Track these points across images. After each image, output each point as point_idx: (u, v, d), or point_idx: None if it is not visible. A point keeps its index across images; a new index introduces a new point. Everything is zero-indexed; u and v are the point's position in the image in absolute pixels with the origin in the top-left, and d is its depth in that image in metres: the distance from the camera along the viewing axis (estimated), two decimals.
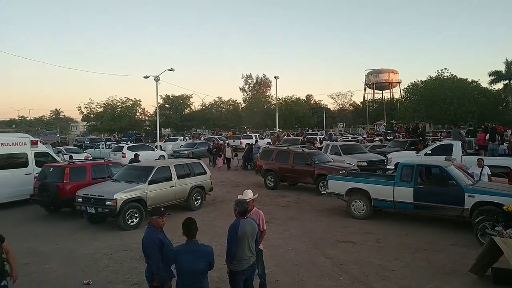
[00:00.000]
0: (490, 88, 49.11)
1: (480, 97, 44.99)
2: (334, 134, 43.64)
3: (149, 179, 10.91)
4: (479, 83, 47.61)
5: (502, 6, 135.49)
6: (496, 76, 50.02)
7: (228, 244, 4.92)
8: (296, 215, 11.66)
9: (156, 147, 29.99)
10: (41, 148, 14.87)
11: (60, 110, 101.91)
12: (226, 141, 35.00)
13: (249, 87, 75.03)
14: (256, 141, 31.87)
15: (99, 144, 32.87)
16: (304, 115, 60.45)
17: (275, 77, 48.57)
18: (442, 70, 47.02)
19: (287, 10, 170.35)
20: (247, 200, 5.52)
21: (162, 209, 4.96)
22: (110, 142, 35.07)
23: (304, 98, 78.50)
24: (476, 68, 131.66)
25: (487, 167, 11.72)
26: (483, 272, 6.71)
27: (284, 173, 16.17)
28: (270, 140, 36.07)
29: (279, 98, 55.95)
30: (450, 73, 46.77)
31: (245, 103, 71.31)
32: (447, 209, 9.69)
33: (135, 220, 10.30)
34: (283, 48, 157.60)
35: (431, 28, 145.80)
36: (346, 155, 18.20)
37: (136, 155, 17.77)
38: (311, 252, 8.26)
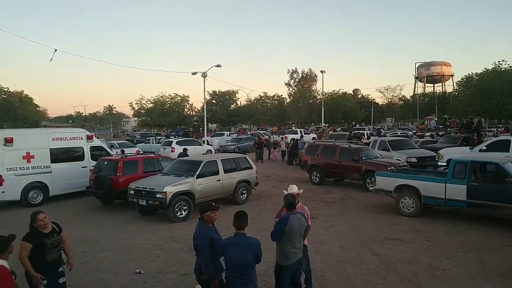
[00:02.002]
0: None
1: None
2: (383, 129, 42.34)
3: (197, 173, 11.24)
4: None
5: None
6: None
7: (273, 233, 5.05)
8: (342, 211, 11.54)
9: (204, 141, 30.70)
10: (96, 142, 15.68)
11: (113, 106, 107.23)
12: (271, 136, 35.18)
13: (294, 82, 74.38)
14: (301, 136, 31.73)
15: (150, 139, 34.19)
16: (351, 109, 58.97)
17: (321, 71, 47.94)
18: (499, 61, 43.98)
19: (333, 2, 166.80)
20: (294, 194, 5.57)
21: (213, 203, 5.07)
22: (160, 137, 36.37)
23: (351, 92, 76.75)
24: None
25: None
26: None
27: (330, 168, 16.01)
28: (315, 135, 35.71)
29: (325, 93, 55.14)
30: (508, 64, 43.63)
31: (290, 98, 70.96)
32: (504, 208, 9.15)
33: (183, 213, 10.68)
34: (330, 41, 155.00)
35: (486, 17, 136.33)
36: (395, 151, 17.63)
37: (185, 150, 18.33)
38: (358, 249, 8.17)
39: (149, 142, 32.49)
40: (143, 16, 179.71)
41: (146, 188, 10.76)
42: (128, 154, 14.25)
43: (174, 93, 58.22)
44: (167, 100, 56.92)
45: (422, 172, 12.35)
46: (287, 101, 70.36)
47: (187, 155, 16.50)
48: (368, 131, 35.51)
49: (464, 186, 9.63)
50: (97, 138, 18.78)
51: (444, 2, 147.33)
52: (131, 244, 8.80)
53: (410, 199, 10.65)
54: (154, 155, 14.47)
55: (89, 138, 15.00)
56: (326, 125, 50.65)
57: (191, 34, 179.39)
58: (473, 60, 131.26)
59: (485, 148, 15.22)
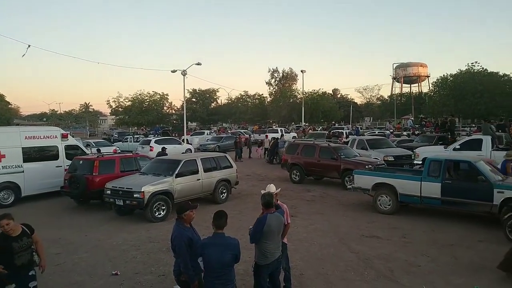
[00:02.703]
0: None
1: None
2: (361, 129, 43.00)
3: (176, 172, 11.14)
4: (511, 77, 45.70)
5: None
6: None
7: (252, 234, 5.02)
8: (322, 210, 11.65)
9: (183, 140, 30.42)
10: (71, 141, 15.30)
11: (89, 104, 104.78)
12: (252, 135, 35.21)
13: (275, 81, 74.66)
14: (282, 135, 31.87)
15: (127, 138, 33.62)
16: (330, 109, 59.71)
17: (301, 71, 48.30)
18: (472, 63, 45.49)
19: (313, 3, 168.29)
20: (272, 193, 5.57)
21: (190, 202, 5.03)
22: (138, 136, 35.84)
23: (331, 92, 77.65)
24: (509, 61, 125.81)
25: None
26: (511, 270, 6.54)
27: (310, 167, 16.14)
28: (295, 134, 35.95)
29: (305, 92, 55.57)
30: (481, 66, 45.14)
31: (271, 97, 71.19)
32: (476, 205, 9.46)
33: (162, 213, 10.56)
34: (310, 41, 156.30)
35: (461, 21, 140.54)
36: (372, 150, 17.94)
37: (163, 149, 18.13)
38: (336, 246, 8.27)
39: (127, 141, 31.93)
40: (122, 12, 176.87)
41: (123, 187, 10.58)
42: (105, 153, 13.96)
43: (153, 91, 57.55)
44: (146, 98, 56.15)
45: (398, 170, 12.63)
46: (268, 100, 70.58)
47: (166, 154, 16.32)
48: (347, 130, 35.99)
49: (438, 184, 9.88)
50: (73, 136, 18.29)
51: (421, 4, 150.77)
52: (107, 245, 8.63)
53: (387, 197, 10.85)
54: (131, 154, 14.23)
55: (64, 136, 14.61)
56: (307, 124, 51.10)
57: (171, 31, 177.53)
58: (449, 61, 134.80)
59: (458, 147, 15.67)
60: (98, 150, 17.74)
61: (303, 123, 49.56)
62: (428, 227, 9.52)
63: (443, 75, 48.62)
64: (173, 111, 65.15)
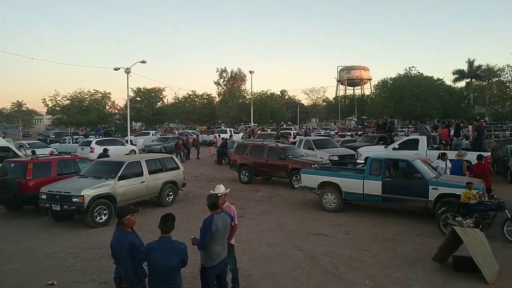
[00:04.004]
0: (453, 86, 51.36)
1: (445, 94, 46.99)
2: (309, 129, 44.21)
3: (119, 174, 10.67)
4: (444, 81, 49.74)
5: (466, 8, 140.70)
6: (459, 74, 52.55)
7: (201, 238, 4.89)
8: (270, 209, 11.75)
9: (127, 141, 29.34)
10: (1, 142, 14.20)
11: (22, 102, 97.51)
12: (200, 136, 34.79)
13: (223, 81, 74.56)
14: (231, 135, 31.79)
15: (65, 138, 31.74)
16: (278, 110, 60.77)
17: (250, 72, 48.62)
18: (410, 68, 48.73)
19: (261, 5, 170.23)
20: (219, 195, 5.51)
21: (132, 206, 4.83)
22: (77, 136, 33.97)
23: (279, 93, 79.08)
24: (441, 67, 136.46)
25: (449, 161, 12.18)
26: (444, 260, 7.02)
27: (259, 167, 16.24)
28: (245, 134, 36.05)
29: (254, 93, 55.98)
30: (417, 71, 48.45)
31: (219, 97, 70.90)
32: (413, 201, 10.05)
33: (104, 217, 10.06)
34: (258, 42, 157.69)
35: (400, 26, 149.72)
36: (318, 150, 18.45)
37: (105, 150, 17.33)
38: (284, 245, 8.36)
39: (65, 142, 30.12)
40: (59, 4, 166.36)
41: (61, 192, 9.93)
42: (40, 155, 13.02)
43: (94, 90, 54.96)
44: (86, 96, 53.58)
45: (343, 169, 13.08)
46: (217, 100, 70.19)
47: (108, 156, 15.61)
48: (294, 131, 36.79)
49: (379, 182, 10.37)
50: (3, 137, 16.92)
51: (364, 10, 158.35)
52: (42, 254, 8.04)
53: (332, 195, 11.19)
54: (70, 156, 13.42)
55: None
56: (255, 124, 51.52)
57: (115, 28, 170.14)
58: (389, 65, 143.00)
59: (397, 146, 16.60)
60: (33, 152, 16.58)
61: (252, 124, 49.92)
62: (370, 224, 9.95)
63: (384, 78, 51.58)
64: (116, 111, 62.86)
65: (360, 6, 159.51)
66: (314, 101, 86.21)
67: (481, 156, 11.13)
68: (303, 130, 39.37)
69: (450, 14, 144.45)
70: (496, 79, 37.99)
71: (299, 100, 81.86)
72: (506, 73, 34.86)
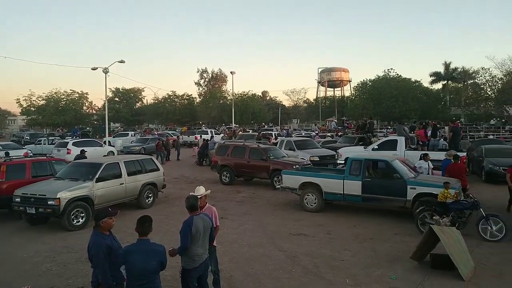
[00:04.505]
0: (431, 87, 52.72)
1: (422, 96, 48.14)
2: (290, 130, 44.44)
3: (97, 176, 10.44)
4: (421, 83, 50.95)
5: (442, 12, 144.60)
6: (436, 76, 54.03)
7: (182, 241, 4.83)
8: (251, 210, 11.73)
9: (105, 142, 28.80)
10: None
11: None
12: (181, 137, 34.46)
13: (204, 81, 74.12)
14: (212, 136, 31.63)
15: (41, 140, 30.90)
16: (260, 111, 60.85)
17: (231, 72, 48.41)
18: (388, 70, 49.69)
19: (242, 6, 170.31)
20: (199, 196, 5.45)
21: (110, 209, 4.72)
22: (53, 138, 33.11)
23: (260, 94, 79.20)
24: (419, 69, 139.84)
25: (429, 161, 12.47)
26: (422, 259, 7.15)
27: (240, 168, 16.20)
28: (226, 135, 35.91)
29: (235, 94, 55.86)
30: (396, 73, 49.47)
31: (200, 97, 70.44)
32: (392, 200, 10.21)
33: (81, 220, 9.82)
34: (240, 43, 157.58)
35: (379, 29, 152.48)
36: (299, 150, 18.56)
37: (82, 151, 16.94)
38: (265, 246, 8.35)
39: (40, 143, 29.34)
40: (35, 2, 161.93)
41: (36, 194, 9.64)
42: (14, 157, 12.61)
43: (70, 90, 53.76)
44: (62, 97, 52.40)
45: (323, 170, 13.19)
46: (197, 100, 69.71)
47: (85, 157, 15.26)
48: (276, 132, 36.91)
49: (359, 182, 10.50)
50: None
51: (345, 12, 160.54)
52: (17, 259, 7.78)
53: (313, 196, 11.26)
54: (45, 157, 13.07)
55: None
56: (237, 125, 51.42)
57: (94, 27, 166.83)
58: (368, 66, 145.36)
59: (376, 147, 16.85)
60: (7, 154, 16.07)
61: (234, 125, 49.83)
62: (350, 223, 10.06)
63: (363, 80, 52.42)
64: (94, 111, 61.61)
65: (340, 9, 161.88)
66: (295, 102, 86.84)
67: (457, 156, 11.41)
68: (284, 131, 39.53)
69: (427, 17, 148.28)
70: (471, 82, 39.16)
71: (280, 101, 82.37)
72: (481, 76, 35.99)
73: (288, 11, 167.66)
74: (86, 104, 57.82)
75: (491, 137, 25.74)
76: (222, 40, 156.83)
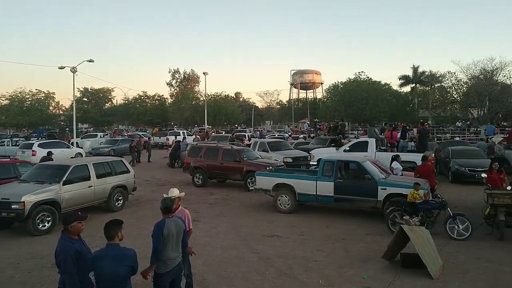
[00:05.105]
0: (400, 90, 54.34)
1: (392, 98, 49.52)
2: (264, 132, 44.61)
3: (64, 179, 10.08)
4: (391, 86, 52.43)
5: (412, 16, 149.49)
6: (405, 80, 55.83)
7: (154, 244, 4.71)
8: (224, 212, 11.64)
9: (72, 144, 27.88)
10: None
11: None
12: (152, 138, 33.86)
13: (176, 82, 73.11)
14: (184, 138, 31.26)
15: (4, 141, 29.57)
16: (233, 112, 60.67)
17: (203, 73, 47.90)
18: (359, 73, 50.81)
19: (215, 6, 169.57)
20: (172, 198, 5.35)
21: (80, 212, 4.54)
22: (17, 139, 31.75)
23: (233, 95, 79.01)
24: (389, 72, 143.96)
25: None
26: (393, 258, 7.31)
27: (213, 170, 16.06)
28: (198, 137, 35.54)
29: (208, 94, 55.45)
30: (366, 76, 50.63)
31: (172, 98, 69.42)
32: (363, 201, 10.40)
33: (47, 224, 9.43)
34: (212, 44, 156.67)
35: (351, 32, 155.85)
36: (273, 152, 18.65)
37: (49, 153, 16.33)
38: (239, 248, 8.30)
39: (3, 145, 28.07)
40: None
41: None
42: None
43: (36, 89, 51.81)
44: (27, 96, 50.38)
45: (296, 171, 13.28)
46: (169, 101, 68.68)
47: (52, 159, 14.72)
48: (249, 133, 36.91)
49: (331, 183, 10.63)
50: None
51: (317, 16, 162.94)
52: None
53: (286, 197, 11.30)
54: (9, 159, 12.50)
55: None
56: (210, 126, 51.07)
57: (61, 24, 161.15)
58: (340, 69, 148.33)
59: (348, 148, 17.13)
60: None
61: (206, 126, 49.46)
62: (323, 224, 10.16)
63: (335, 82, 53.34)
64: (61, 112, 59.59)
65: (313, 12, 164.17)
66: (268, 104, 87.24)
67: (425, 157, 11.76)
68: (258, 132, 39.61)
69: (397, 21, 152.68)
70: (438, 85, 40.54)
71: (254, 103, 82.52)
72: (447, 80, 37.30)
73: (261, 13, 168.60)
74: (53, 104, 55.86)
75: (457, 139, 26.79)
76: (194, 41, 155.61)
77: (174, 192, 5.81)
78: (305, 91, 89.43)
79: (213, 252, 8.05)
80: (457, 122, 38.80)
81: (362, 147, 16.69)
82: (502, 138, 20.62)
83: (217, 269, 7.10)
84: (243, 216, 11.18)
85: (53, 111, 56.58)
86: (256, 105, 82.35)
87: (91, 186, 10.86)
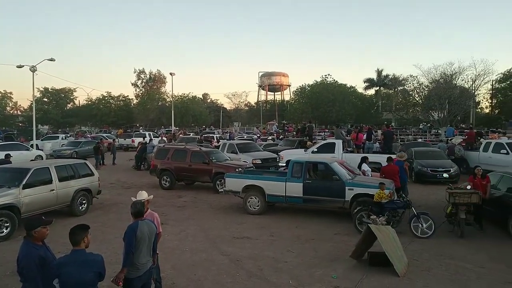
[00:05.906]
0: (365, 93, 55.93)
1: (357, 101, 50.90)
2: (234, 133, 44.44)
3: (24, 182, 9.60)
4: (356, 89, 53.87)
5: (376, 21, 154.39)
6: (370, 83, 57.58)
7: (127, 246, 4.57)
8: (193, 215, 11.49)
9: (32, 146, 26.63)
10: None
11: None
12: (116, 140, 32.94)
13: (142, 82, 71.56)
14: (150, 139, 30.61)
15: None
16: (201, 113, 60.12)
17: (170, 74, 47.07)
18: (326, 75, 51.84)
19: (181, 6, 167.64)
20: (143, 201, 5.23)
21: (44, 217, 4.32)
22: None
23: (201, 96, 78.37)
24: (354, 75, 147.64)
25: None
26: (361, 257, 7.48)
27: (181, 172, 15.82)
28: (164, 139, 34.92)
29: (175, 95, 54.62)
30: (333, 78, 51.75)
31: (137, 99, 67.85)
32: (331, 201, 10.58)
33: (5, 230, 8.90)
34: (179, 44, 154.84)
35: (317, 35, 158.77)
36: (242, 153, 18.64)
37: (7, 156, 15.53)
38: (208, 250, 8.21)
39: None
40: None
41: None
42: None
43: None
44: None
45: (266, 172, 13.32)
46: (134, 102, 67.07)
47: (10, 162, 13.99)
48: (217, 135, 36.69)
49: (300, 184, 10.75)
50: None
51: (284, 18, 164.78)
52: None
53: (256, 198, 11.32)
54: None
55: None
56: (177, 128, 50.30)
57: (20, 21, 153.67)
58: (307, 71, 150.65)
59: (316, 150, 17.41)
60: None
61: (173, 127, 48.67)
62: (292, 224, 10.25)
63: (302, 85, 54.11)
64: (19, 112, 56.81)
65: (281, 14, 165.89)
66: (237, 105, 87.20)
67: (390, 158, 12.14)
68: (228, 134, 39.43)
69: (362, 25, 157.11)
70: (401, 88, 41.88)
71: (222, 104, 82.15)
72: (410, 83, 38.60)
73: (229, 14, 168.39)
74: (10, 105, 53.22)
75: (419, 140, 27.76)
76: (160, 41, 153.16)
77: (143, 195, 5.68)
78: (273, 93, 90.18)
79: (182, 255, 7.92)
80: (420, 124, 40.22)
81: (329, 148, 17.02)
82: (461, 140, 21.61)
83: (187, 273, 6.98)
84: (212, 218, 11.07)
85: (11, 111, 53.79)
86: (224, 106, 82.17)
87: (53, 190, 10.40)
